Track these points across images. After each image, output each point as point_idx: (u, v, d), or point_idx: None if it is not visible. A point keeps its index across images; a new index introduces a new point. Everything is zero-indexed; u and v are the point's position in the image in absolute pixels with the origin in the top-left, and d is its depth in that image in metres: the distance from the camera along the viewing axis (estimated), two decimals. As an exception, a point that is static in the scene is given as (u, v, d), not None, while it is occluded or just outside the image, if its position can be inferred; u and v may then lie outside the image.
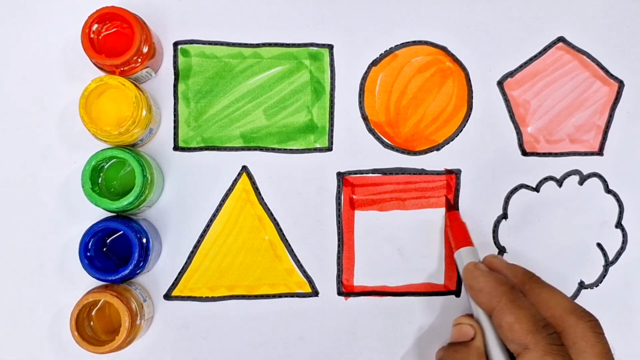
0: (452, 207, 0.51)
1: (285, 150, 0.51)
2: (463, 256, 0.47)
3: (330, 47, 0.52)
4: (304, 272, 0.51)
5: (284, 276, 0.51)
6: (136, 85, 0.46)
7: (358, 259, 0.51)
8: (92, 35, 0.46)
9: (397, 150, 0.52)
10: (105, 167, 0.47)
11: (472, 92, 0.53)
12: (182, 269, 0.50)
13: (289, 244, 0.51)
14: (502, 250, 0.52)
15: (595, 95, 0.53)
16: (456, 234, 0.49)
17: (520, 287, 0.44)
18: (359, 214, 0.52)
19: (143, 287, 0.50)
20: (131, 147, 0.48)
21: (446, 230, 0.51)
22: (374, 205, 0.52)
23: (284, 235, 0.51)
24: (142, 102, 0.46)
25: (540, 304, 0.42)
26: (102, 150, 0.46)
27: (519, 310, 0.41)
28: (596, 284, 0.53)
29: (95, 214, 0.48)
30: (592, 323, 0.41)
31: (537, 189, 0.53)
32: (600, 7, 0.54)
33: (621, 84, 0.54)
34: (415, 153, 0.52)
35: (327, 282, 0.51)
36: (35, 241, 0.49)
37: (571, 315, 0.41)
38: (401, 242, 0.52)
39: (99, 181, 0.47)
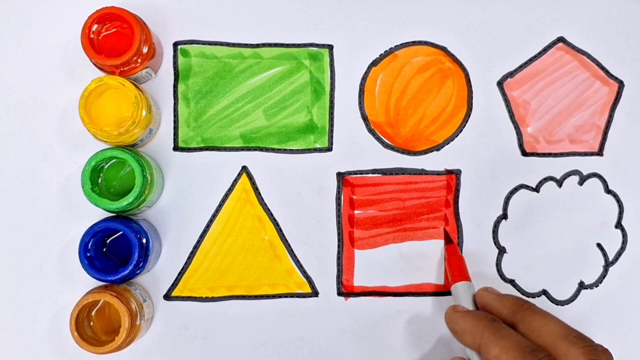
0: (449, 240, 0.51)
1: (285, 151, 0.51)
2: (459, 290, 0.48)
3: (330, 47, 0.52)
4: (303, 272, 0.51)
5: (283, 276, 0.51)
6: (136, 86, 0.46)
7: (358, 259, 0.51)
8: (92, 36, 0.46)
9: (397, 151, 0.52)
10: (105, 167, 0.47)
11: (472, 93, 0.53)
12: (182, 269, 0.50)
13: (289, 244, 0.51)
14: (502, 250, 0.52)
15: (595, 95, 0.53)
16: (453, 267, 0.49)
17: (511, 317, 0.43)
18: (358, 214, 0.52)
19: (143, 287, 0.50)
20: (131, 148, 0.48)
21: (445, 262, 0.51)
22: (374, 206, 0.52)
23: (283, 236, 0.51)
24: (142, 103, 0.46)
25: (533, 332, 0.41)
26: (102, 150, 0.46)
27: (502, 340, 0.40)
28: (596, 284, 0.53)
29: (95, 214, 0.48)
30: (586, 349, 0.39)
31: (537, 189, 0.53)
32: (600, 7, 0.54)
33: (621, 84, 0.53)
34: (415, 153, 0.52)
35: (327, 282, 0.51)
36: (35, 241, 0.49)
37: (563, 341, 0.39)
38: (401, 242, 0.52)
39: (99, 181, 0.47)
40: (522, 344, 0.39)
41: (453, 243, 0.51)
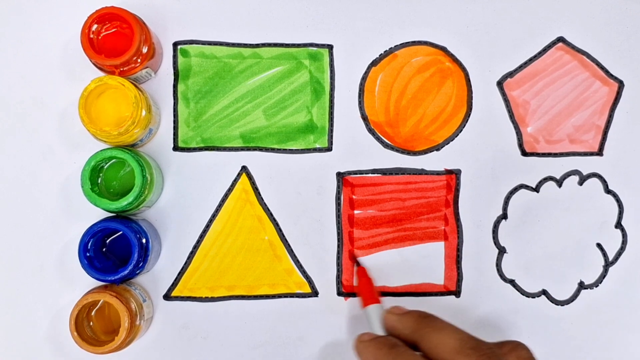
0: (358, 263, 0.51)
1: (285, 151, 0.51)
2: (369, 314, 0.47)
3: (330, 47, 0.52)
4: (303, 272, 0.51)
5: (283, 276, 0.51)
6: (136, 86, 0.46)
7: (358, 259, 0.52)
8: (91, 36, 0.46)
9: (397, 151, 0.52)
10: (105, 167, 0.47)
11: (471, 92, 0.53)
12: (181, 269, 0.50)
13: (289, 244, 0.51)
14: (502, 250, 0.52)
15: (595, 95, 0.53)
16: (363, 290, 0.49)
17: (413, 337, 0.43)
18: (358, 214, 0.52)
19: (143, 287, 0.50)
20: (131, 148, 0.48)
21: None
22: (373, 206, 0.52)
23: (283, 236, 0.51)
24: (142, 103, 0.46)
25: (432, 350, 0.41)
26: (101, 150, 0.46)
27: None
28: (596, 284, 0.53)
29: (94, 214, 0.48)
30: (481, 358, 0.39)
31: (537, 189, 0.53)
32: (600, 7, 0.54)
33: (621, 84, 0.53)
34: (415, 153, 0.52)
35: (326, 282, 0.51)
36: (35, 241, 0.49)
37: (458, 355, 0.40)
38: (401, 242, 0.52)
39: (99, 181, 0.47)
40: None
41: (361, 266, 0.51)
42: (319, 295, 0.51)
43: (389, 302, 0.51)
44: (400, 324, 0.45)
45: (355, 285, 0.51)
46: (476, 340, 0.41)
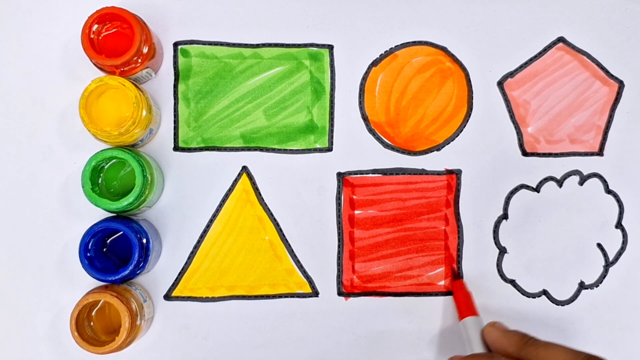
0: (456, 276, 0.52)
1: (285, 151, 0.51)
2: (467, 326, 0.48)
3: (330, 47, 0.52)
4: (304, 272, 0.51)
5: (284, 276, 0.51)
6: (136, 86, 0.46)
7: (358, 259, 0.51)
8: (92, 36, 0.46)
9: (397, 151, 0.52)
10: (106, 167, 0.47)
11: (472, 93, 0.53)
12: (182, 269, 0.50)
13: (289, 244, 0.51)
14: (502, 250, 0.52)
15: (595, 95, 0.53)
16: (460, 303, 0.50)
17: (517, 354, 0.43)
18: (359, 214, 0.52)
19: (143, 287, 0.50)
20: (131, 148, 0.48)
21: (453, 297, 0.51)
22: (374, 206, 0.52)
23: (284, 236, 0.51)
24: (142, 103, 0.46)
25: None
26: (102, 150, 0.46)
27: None
28: (596, 284, 0.53)
29: (95, 214, 0.48)
30: None
31: (537, 189, 0.53)
32: (600, 7, 0.54)
33: (621, 84, 0.53)
34: (415, 153, 0.52)
35: (327, 282, 0.51)
36: (35, 241, 0.49)
37: None
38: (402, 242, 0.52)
39: (99, 181, 0.47)
40: None
41: (460, 279, 0.51)
42: (319, 296, 0.51)
43: (389, 302, 0.51)
44: (505, 340, 0.44)
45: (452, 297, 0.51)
46: (586, 353, 0.40)
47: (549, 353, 0.42)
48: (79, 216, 0.49)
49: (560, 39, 0.53)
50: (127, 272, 0.46)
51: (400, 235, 0.52)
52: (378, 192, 0.52)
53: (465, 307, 0.49)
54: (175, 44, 0.51)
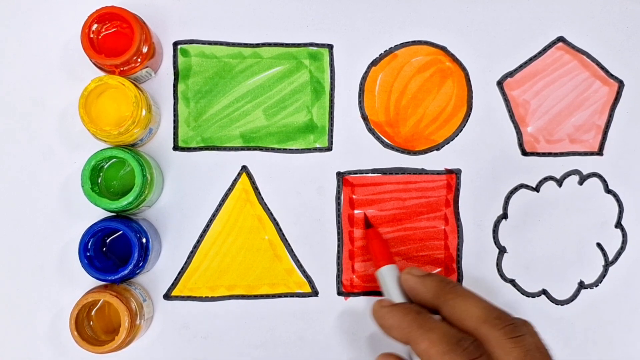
0: (369, 224, 0.51)
1: (285, 150, 0.51)
2: (384, 275, 0.47)
3: (330, 47, 0.52)
4: (303, 272, 0.51)
5: (283, 276, 0.51)
6: (136, 85, 0.46)
7: (358, 259, 0.51)
8: (91, 35, 0.46)
9: (397, 150, 0.52)
10: (105, 167, 0.47)
11: (472, 92, 0.53)
12: (181, 269, 0.50)
13: (289, 244, 0.51)
14: (502, 250, 0.52)
15: (595, 95, 0.53)
16: (376, 252, 0.48)
17: (434, 302, 0.42)
18: (359, 214, 0.52)
19: (143, 287, 0.50)
20: (131, 147, 0.48)
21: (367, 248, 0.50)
22: (374, 205, 0.52)
23: (283, 235, 0.51)
24: (142, 102, 0.46)
25: (455, 317, 0.41)
26: (101, 150, 0.46)
27: (429, 333, 0.40)
28: (596, 284, 0.53)
29: (95, 214, 0.48)
30: (507, 329, 0.39)
31: (537, 189, 0.53)
32: (600, 7, 0.54)
33: (621, 84, 0.53)
34: (415, 153, 0.52)
35: (327, 282, 0.51)
36: (35, 241, 0.49)
37: (483, 324, 0.39)
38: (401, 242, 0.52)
39: (99, 181, 0.47)
40: (448, 334, 0.39)
41: (373, 227, 0.50)
42: (319, 295, 0.51)
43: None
44: (422, 287, 0.43)
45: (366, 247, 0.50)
46: (500, 311, 0.40)
47: (465, 306, 0.41)
48: (79, 216, 0.49)
49: (560, 39, 0.53)
50: (126, 271, 0.46)
51: (400, 234, 0.52)
52: (378, 192, 0.52)
53: (381, 256, 0.48)
54: (175, 44, 0.51)
